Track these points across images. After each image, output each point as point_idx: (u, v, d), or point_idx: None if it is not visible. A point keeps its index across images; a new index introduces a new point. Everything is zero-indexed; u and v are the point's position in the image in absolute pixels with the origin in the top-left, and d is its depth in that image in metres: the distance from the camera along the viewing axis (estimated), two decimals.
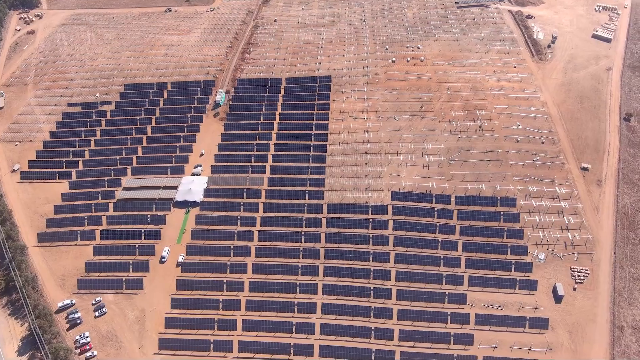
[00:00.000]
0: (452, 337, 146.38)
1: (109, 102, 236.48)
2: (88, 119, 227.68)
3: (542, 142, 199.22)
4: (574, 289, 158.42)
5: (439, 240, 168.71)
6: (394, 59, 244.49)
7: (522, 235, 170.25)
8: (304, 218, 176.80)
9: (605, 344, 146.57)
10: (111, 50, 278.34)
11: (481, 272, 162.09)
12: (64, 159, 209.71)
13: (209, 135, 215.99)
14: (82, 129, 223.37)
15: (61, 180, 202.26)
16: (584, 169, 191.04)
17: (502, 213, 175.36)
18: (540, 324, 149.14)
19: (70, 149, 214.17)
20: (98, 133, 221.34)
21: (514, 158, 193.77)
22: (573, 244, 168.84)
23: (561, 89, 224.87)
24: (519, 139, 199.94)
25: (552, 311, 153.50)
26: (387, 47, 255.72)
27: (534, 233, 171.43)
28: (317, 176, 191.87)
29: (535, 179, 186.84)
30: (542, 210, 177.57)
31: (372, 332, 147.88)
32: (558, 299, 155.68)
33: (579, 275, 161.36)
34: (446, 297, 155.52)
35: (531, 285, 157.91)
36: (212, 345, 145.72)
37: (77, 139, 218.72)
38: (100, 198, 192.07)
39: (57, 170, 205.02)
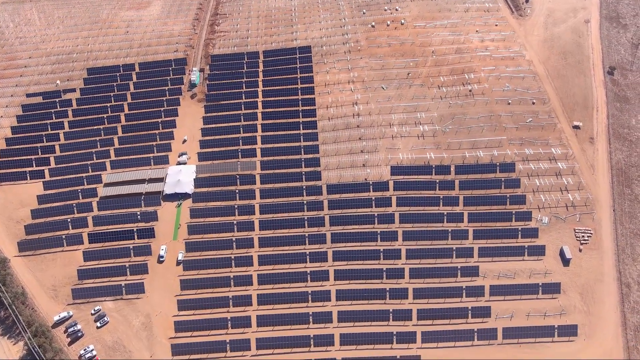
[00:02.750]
0: (469, 311, 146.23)
1: (73, 90, 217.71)
2: (52, 110, 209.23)
3: (533, 103, 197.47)
4: (580, 250, 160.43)
5: (445, 214, 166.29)
6: (373, 23, 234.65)
7: (524, 200, 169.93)
8: (305, 202, 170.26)
9: (615, 302, 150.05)
10: (65, 30, 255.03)
11: (489, 242, 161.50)
12: (33, 157, 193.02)
13: (189, 119, 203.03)
14: (48, 121, 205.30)
15: (33, 181, 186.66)
16: (576, 127, 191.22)
17: (502, 180, 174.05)
18: (553, 289, 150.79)
19: (38, 145, 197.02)
20: (66, 125, 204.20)
21: (507, 121, 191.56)
22: (574, 204, 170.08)
23: (544, 45, 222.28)
24: (510, 101, 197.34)
25: (562, 274, 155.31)
26: (364, 10, 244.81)
27: (535, 197, 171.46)
28: (311, 155, 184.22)
29: (531, 141, 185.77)
30: (540, 173, 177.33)
31: (390, 314, 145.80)
32: (566, 261, 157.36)
33: (582, 236, 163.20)
34: (458, 270, 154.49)
35: (539, 251, 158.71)
36: (228, 345, 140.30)
37: (43, 133, 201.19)
38: (81, 197, 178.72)
39: (27, 169, 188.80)
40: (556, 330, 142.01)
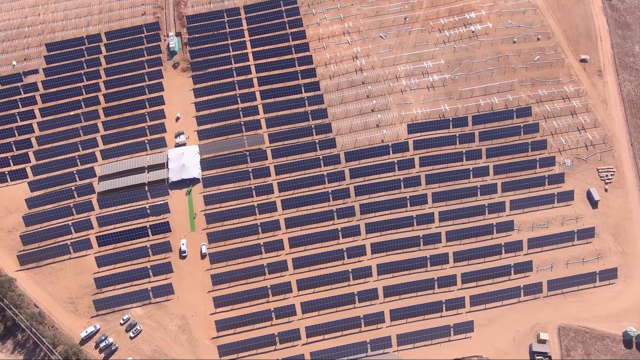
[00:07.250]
0: (512, 268, 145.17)
1: (35, 71, 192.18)
2: (17, 97, 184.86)
3: (538, 39, 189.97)
4: (606, 190, 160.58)
5: (470, 169, 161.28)
6: None
7: (545, 145, 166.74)
8: (325, 174, 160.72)
9: None
10: (5, 0, 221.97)
11: (518, 194, 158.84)
12: (9, 155, 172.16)
13: (177, 93, 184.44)
14: (15, 111, 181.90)
15: (15, 182, 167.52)
16: (583, 60, 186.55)
17: (521, 126, 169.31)
18: (587, 234, 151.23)
19: (11, 140, 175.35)
20: (37, 113, 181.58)
21: (516, 62, 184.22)
22: (593, 143, 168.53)
23: None
24: (515, 40, 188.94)
25: (592, 217, 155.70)
26: None
27: (555, 140, 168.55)
28: (320, 121, 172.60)
29: (542, 81, 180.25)
30: (556, 113, 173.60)
31: (435, 282, 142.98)
32: (594, 204, 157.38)
33: (606, 175, 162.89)
34: (494, 227, 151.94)
35: (568, 196, 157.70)
36: (277, 337, 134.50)
37: (13, 125, 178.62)
38: (76, 196, 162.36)
39: (5, 170, 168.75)
40: (597, 275, 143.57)
